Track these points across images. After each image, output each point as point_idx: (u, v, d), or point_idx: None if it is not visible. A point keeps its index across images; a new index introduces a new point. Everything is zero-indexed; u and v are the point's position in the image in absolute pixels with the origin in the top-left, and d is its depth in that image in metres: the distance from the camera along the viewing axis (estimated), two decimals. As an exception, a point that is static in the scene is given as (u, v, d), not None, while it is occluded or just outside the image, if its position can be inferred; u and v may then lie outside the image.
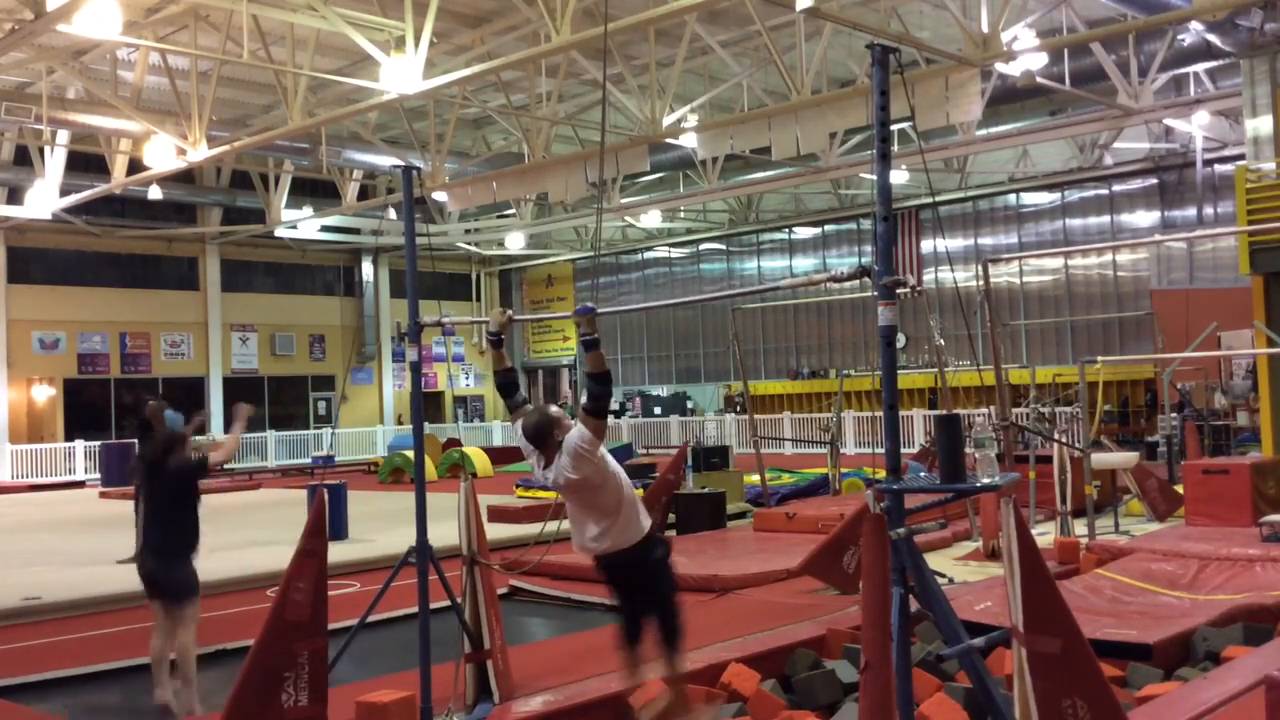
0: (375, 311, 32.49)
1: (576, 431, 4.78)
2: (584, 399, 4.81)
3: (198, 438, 8.69)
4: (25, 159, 22.80)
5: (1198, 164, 21.81)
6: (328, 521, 4.81)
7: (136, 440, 12.95)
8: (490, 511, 12.55)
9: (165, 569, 5.90)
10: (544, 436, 4.87)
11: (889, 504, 3.59)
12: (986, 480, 3.90)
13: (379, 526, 12.67)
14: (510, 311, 5.28)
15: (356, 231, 29.30)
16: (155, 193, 22.02)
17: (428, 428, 18.62)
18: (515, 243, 30.34)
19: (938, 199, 25.31)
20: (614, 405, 32.18)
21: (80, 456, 24.60)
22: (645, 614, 4.92)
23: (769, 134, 17.09)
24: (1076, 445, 11.38)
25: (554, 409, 5.02)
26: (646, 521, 4.97)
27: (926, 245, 26.49)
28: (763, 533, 11.11)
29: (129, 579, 9.74)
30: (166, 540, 5.96)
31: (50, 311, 26.53)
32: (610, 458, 4.95)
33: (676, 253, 32.52)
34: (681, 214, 29.91)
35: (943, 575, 7.95)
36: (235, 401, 7.32)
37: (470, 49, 18.26)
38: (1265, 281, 14.34)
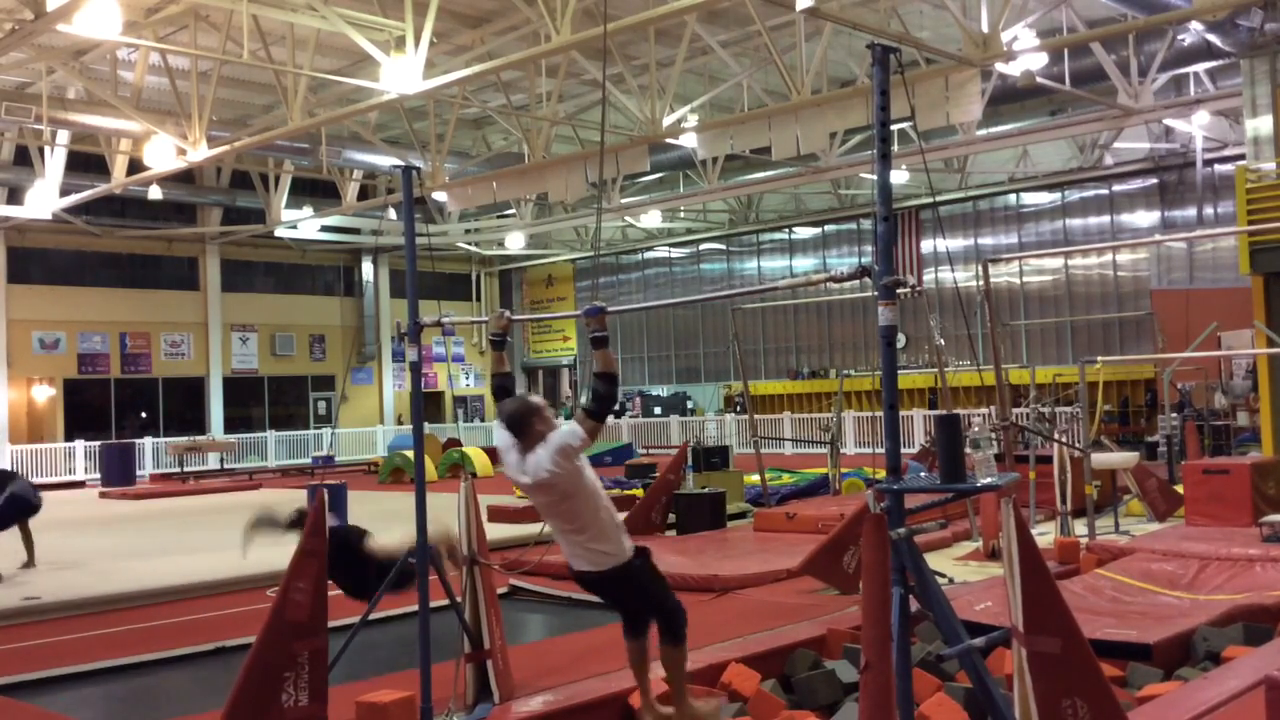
0: (375, 311, 32.48)
1: (569, 427, 4.57)
2: (586, 398, 4.64)
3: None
4: (25, 159, 22.79)
5: (1198, 164, 21.81)
6: (328, 522, 4.81)
7: None
8: (490, 511, 12.53)
9: None
10: (523, 424, 4.65)
11: (889, 504, 3.59)
12: (986, 480, 3.90)
13: (379, 526, 12.58)
14: (508, 313, 5.22)
15: (356, 231, 29.30)
16: (155, 193, 22.03)
17: (428, 428, 18.60)
18: (515, 243, 30.35)
19: (938, 199, 25.31)
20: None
21: (80, 456, 24.61)
22: (639, 616, 4.81)
23: (769, 134, 17.09)
24: (1076, 445, 11.37)
25: (536, 398, 4.84)
26: (628, 544, 4.73)
27: (926, 245, 26.49)
28: (763, 533, 11.11)
29: (129, 579, 9.79)
30: None
31: (50, 311, 26.53)
32: (590, 470, 4.72)
33: (676, 253, 32.51)
34: (681, 214, 29.91)
35: (943, 575, 7.95)
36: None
37: (470, 49, 18.26)
38: (1265, 281, 14.35)
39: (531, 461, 4.58)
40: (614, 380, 4.60)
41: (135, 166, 20.24)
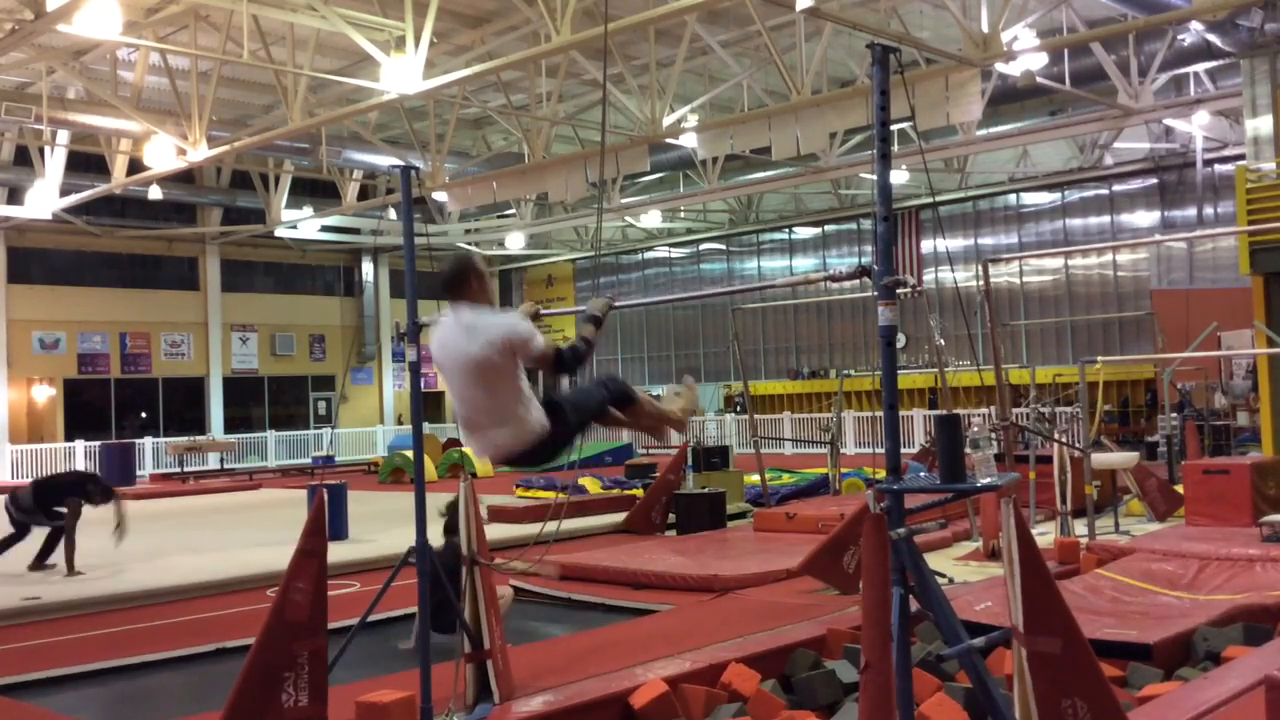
0: (375, 311, 32.49)
1: (529, 327, 4.28)
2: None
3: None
4: (25, 159, 22.79)
5: (1198, 164, 21.82)
6: (328, 521, 4.81)
7: None
8: (490, 511, 12.55)
9: None
10: (460, 278, 4.33)
11: (889, 504, 3.58)
12: (986, 480, 3.89)
13: (379, 526, 12.67)
14: (539, 306, 5.20)
15: (356, 231, 29.29)
16: (155, 193, 22.03)
17: (428, 428, 18.62)
18: (515, 243, 30.35)
19: (938, 199, 25.31)
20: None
21: (80, 457, 24.56)
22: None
23: (769, 134, 17.09)
24: (1076, 445, 11.37)
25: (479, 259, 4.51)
26: (536, 421, 4.34)
27: (926, 245, 26.49)
28: (763, 533, 11.10)
29: (129, 579, 9.79)
30: None
31: (50, 311, 26.53)
32: (520, 373, 4.33)
33: (676, 253, 32.52)
34: (681, 214, 29.91)
35: (943, 575, 7.95)
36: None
37: (470, 49, 18.26)
38: (1265, 281, 14.35)
39: (463, 329, 4.26)
40: (590, 348, 4.47)
41: (135, 166, 20.23)
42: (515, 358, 4.26)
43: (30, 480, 10.60)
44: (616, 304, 4.69)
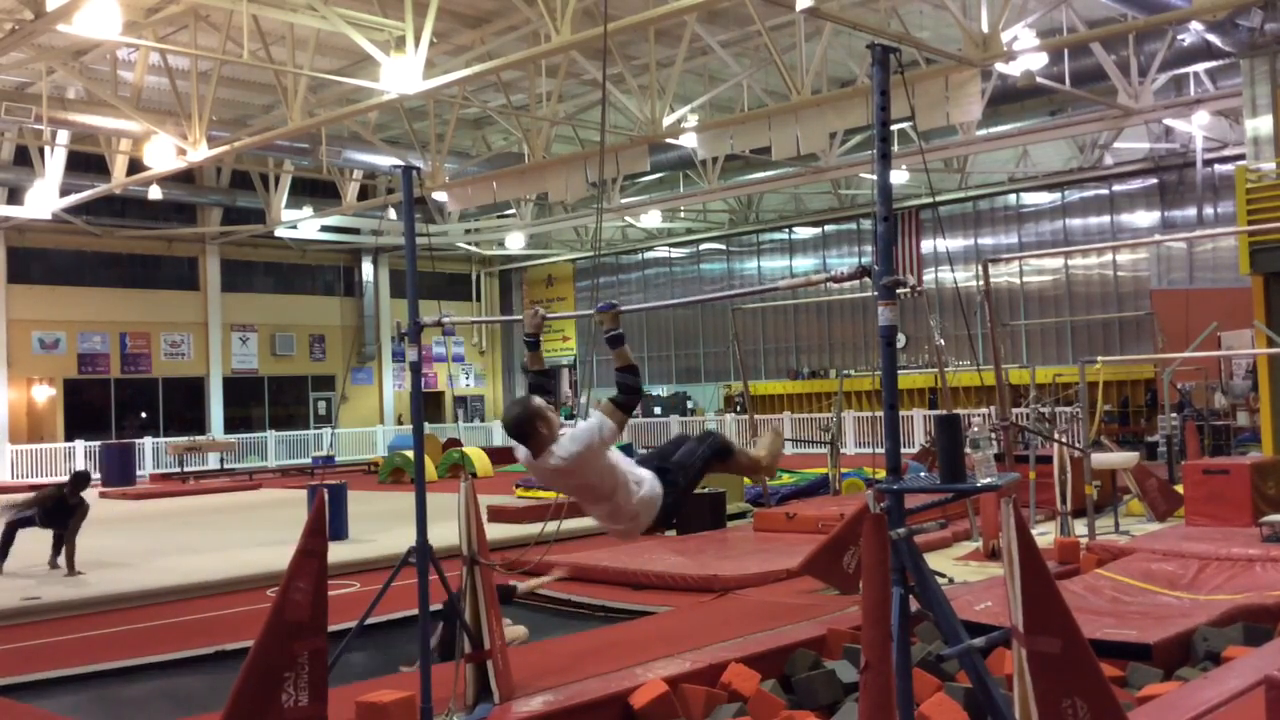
0: (375, 311, 32.48)
1: (597, 420, 4.54)
2: (615, 393, 4.61)
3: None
4: (25, 159, 22.79)
5: (1198, 164, 21.81)
6: (328, 521, 4.81)
7: None
8: (490, 511, 12.55)
9: None
10: (525, 429, 4.59)
11: (889, 504, 3.58)
12: (986, 480, 3.89)
13: (379, 526, 12.67)
14: (542, 311, 5.23)
15: (356, 231, 29.30)
16: (155, 193, 22.03)
17: (428, 428, 18.60)
18: (515, 243, 30.35)
19: (938, 199, 25.30)
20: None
21: (80, 456, 24.56)
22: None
23: (769, 134, 17.09)
24: (1076, 445, 11.37)
25: (537, 400, 4.75)
26: (654, 497, 4.78)
27: (926, 245, 26.48)
28: (763, 533, 11.10)
29: (129, 579, 9.79)
30: None
31: (50, 311, 26.53)
32: (614, 455, 4.75)
33: (676, 253, 32.51)
34: (681, 214, 29.91)
35: (943, 575, 7.94)
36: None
37: (470, 49, 18.27)
38: (1265, 281, 14.34)
39: (556, 471, 4.64)
40: (636, 372, 4.65)
41: (135, 166, 20.23)
42: (602, 452, 4.61)
43: (37, 509, 10.63)
44: (621, 309, 4.73)
